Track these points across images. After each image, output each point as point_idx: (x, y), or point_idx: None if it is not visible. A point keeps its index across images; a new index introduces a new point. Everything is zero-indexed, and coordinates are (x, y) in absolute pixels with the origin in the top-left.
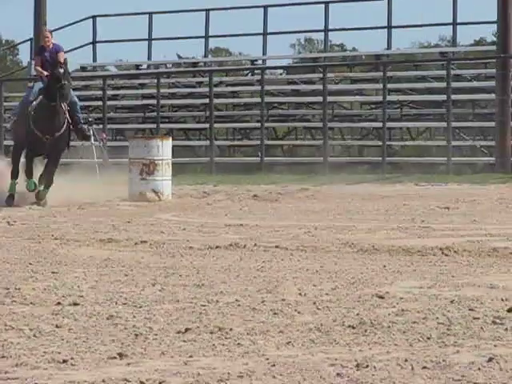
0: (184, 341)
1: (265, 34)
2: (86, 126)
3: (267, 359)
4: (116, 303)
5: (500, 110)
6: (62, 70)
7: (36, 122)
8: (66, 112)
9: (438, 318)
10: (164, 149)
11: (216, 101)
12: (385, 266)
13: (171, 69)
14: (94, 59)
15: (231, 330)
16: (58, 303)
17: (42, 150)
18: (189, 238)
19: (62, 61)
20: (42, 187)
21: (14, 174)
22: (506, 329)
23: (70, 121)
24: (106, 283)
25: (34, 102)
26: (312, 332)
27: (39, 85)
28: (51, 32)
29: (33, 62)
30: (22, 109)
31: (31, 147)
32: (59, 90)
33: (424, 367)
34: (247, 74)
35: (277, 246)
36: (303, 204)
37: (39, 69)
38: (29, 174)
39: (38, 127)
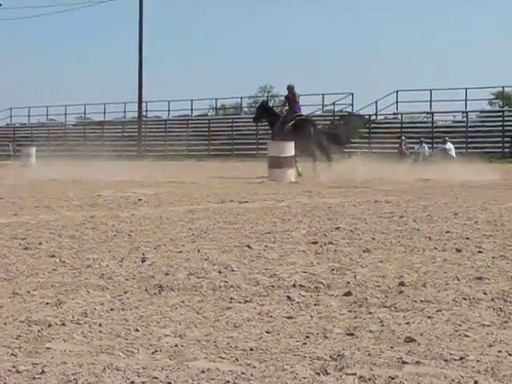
0: (36, 210)
1: None
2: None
3: (62, 215)
4: (14, 198)
5: None
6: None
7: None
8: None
9: (116, 202)
10: None
11: None
12: (101, 187)
13: None
14: None
15: (52, 206)
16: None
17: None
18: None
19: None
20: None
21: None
22: (138, 205)
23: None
24: (14, 192)
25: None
26: (77, 207)
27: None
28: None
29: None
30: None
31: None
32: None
33: (111, 217)
34: None
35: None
36: None
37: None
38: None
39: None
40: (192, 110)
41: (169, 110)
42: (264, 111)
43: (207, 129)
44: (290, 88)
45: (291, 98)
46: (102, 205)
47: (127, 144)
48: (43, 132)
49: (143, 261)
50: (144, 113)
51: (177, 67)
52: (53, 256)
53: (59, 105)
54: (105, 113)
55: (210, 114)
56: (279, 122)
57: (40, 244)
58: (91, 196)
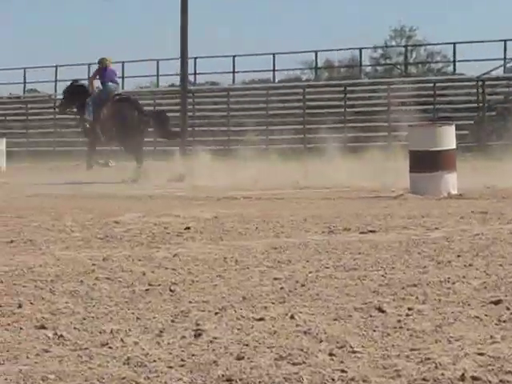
0: (10, 247)
1: None
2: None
3: (55, 257)
4: None
5: None
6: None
7: None
8: None
9: (147, 233)
10: None
11: None
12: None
13: None
14: None
15: (36, 240)
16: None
17: None
18: None
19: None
20: None
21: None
22: (184, 238)
23: None
24: None
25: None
26: (79, 242)
27: None
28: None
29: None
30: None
31: None
32: None
33: (139, 260)
34: None
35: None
36: None
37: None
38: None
39: None
40: (274, 70)
41: (233, 72)
42: (73, 94)
43: (302, 103)
44: (103, 62)
45: (105, 71)
46: (123, 238)
47: None
48: (20, 112)
49: (197, 335)
50: (191, 78)
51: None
52: (42, 327)
53: (49, 66)
54: (123, 78)
55: (306, 77)
56: (90, 104)
57: (19, 306)
58: (103, 223)
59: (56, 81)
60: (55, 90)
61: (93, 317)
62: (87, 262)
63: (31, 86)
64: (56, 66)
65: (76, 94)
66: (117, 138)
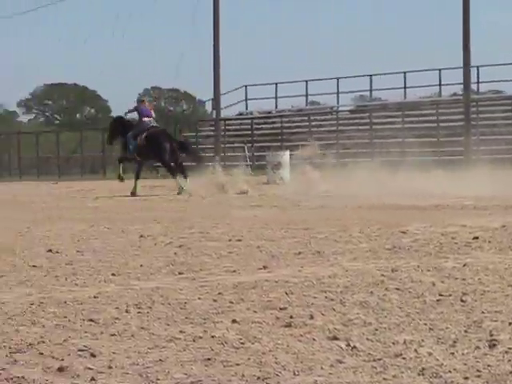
0: (298, 259)
1: None
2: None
3: (343, 268)
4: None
5: None
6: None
7: None
8: None
9: (434, 243)
10: None
11: None
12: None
13: None
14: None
15: (324, 252)
16: (229, 240)
17: None
18: None
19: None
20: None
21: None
22: (472, 248)
23: None
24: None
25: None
26: (367, 252)
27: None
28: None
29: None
30: None
31: None
32: None
33: (428, 270)
34: None
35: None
36: None
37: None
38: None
39: None
40: None
41: None
42: (117, 127)
43: None
44: (140, 101)
45: (142, 109)
46: (411, 248)
47: (447, 141)
48: (302, 124)
49: (492, 346)
50: (474, 87)
51: None
52: (335, 338)
53: (327, 77)
54: (405, 88)
55: None
56: (129, 135)
57: (311, 318)
58: (390, 233)
59: (338, 93)
60: (337, 102)
61: (385, 327)
62: (376, 272)
63: (313, 98)
64: (337, 78)
65: (119, 128)
66: (155, 158)
